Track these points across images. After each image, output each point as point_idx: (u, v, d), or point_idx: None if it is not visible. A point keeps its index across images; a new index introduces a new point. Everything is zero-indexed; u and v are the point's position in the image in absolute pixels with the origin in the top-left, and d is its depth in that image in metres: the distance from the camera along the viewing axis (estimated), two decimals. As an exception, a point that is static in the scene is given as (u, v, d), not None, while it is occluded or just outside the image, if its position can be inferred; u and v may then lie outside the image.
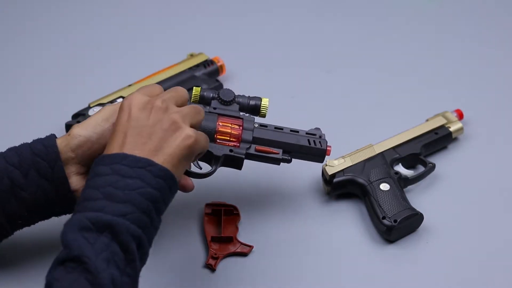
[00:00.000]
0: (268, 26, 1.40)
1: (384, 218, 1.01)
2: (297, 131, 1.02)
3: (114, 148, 0.83)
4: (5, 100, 1.24)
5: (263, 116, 1.01)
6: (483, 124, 1.19)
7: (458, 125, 1.15)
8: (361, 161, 1.08)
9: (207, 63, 1.25)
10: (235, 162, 0.99)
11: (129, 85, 1.19)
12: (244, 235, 1.02)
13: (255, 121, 1.01)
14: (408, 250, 1.02)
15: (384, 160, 1.08)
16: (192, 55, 1.26)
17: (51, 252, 0.97)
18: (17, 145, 0.91)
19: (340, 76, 1.29)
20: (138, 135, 0.83)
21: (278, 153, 1.00)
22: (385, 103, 1.24)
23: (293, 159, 1.02)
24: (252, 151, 0.99)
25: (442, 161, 1.13)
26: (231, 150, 0.98)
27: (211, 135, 0.97)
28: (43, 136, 0.92)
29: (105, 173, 0.81)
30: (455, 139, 1.16)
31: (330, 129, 1.05)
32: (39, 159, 0.88)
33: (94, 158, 0.89)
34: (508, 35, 1.38)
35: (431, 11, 1.44)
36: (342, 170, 1.07)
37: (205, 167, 0.99)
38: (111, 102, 1.15)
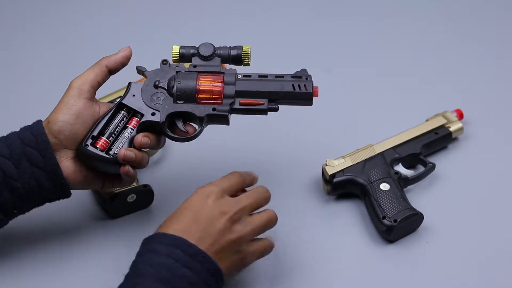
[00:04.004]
0: (267, 26, 1.40)
1: (384, 218, 1.01)
2: (282, 76, 0.99)
3: (176, 229, 0.84)
4: (5, 100, 1.24)
5: (247, 64, 0.98)
6: (483, 124, 1.19)
7: (458, 125, 1.15)
8: (361, 161, 1.08)
9: (207, 63, 1.24)
10: (220, 120, 0.96)
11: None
12: (244, 235, 1.02)
13: (239, 72, 0.98)
14: (408, 250, 1.02)
15: (384, 160, 1.08)
16: (192, 55, 1.26)
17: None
18: (4, 135, 0.91)
19: (340, 76, 1.29)
20: (205, 231, 0.84)
21: (263, 104, 0.97)
22: (385, 103, 1.24)
23: (281, 107, 0.99)
24: (236, 105, 0.96)
25: (442, 161, 1.13)
26: (213, 109, 0.95)
27: (192, 96, 0.95)
28: None
29: (161, 252, 0.81)
30: (455, 139, 1.16)
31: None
32: (29, 148, 0.89)
33: (78, 139, 0.90)
34: (508, 35, 1.38)
35: (431, 11, 1.44)
36: (342, 170, 1.07)
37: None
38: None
